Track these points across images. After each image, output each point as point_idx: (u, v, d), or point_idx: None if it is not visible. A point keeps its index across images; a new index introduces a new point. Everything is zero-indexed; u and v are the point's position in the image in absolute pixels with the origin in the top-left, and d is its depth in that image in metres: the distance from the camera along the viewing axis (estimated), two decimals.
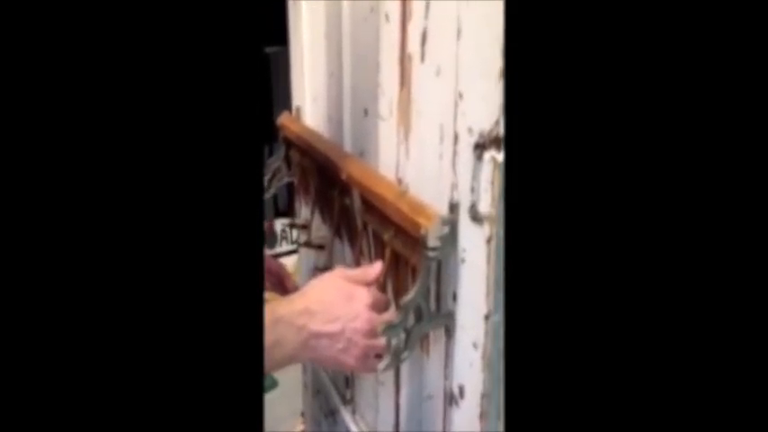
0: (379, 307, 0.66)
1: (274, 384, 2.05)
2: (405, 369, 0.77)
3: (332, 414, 1.12)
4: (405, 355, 0.61)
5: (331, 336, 0.64)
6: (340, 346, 0.64)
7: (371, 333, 0.63)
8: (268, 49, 2.50)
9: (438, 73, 0.61)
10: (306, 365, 1.26)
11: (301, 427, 1.62)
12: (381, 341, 0.63)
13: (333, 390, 1.10)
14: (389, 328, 0.59)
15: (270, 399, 1.93)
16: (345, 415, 1.03)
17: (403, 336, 0.61)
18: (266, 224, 2.62)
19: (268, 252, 2.65)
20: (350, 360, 0.65)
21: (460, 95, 0.57)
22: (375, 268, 0.69)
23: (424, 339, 0.68)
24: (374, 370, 0.65)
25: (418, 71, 0.65)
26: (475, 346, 0.58)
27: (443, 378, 0.65)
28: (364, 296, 0.65)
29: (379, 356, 0.65)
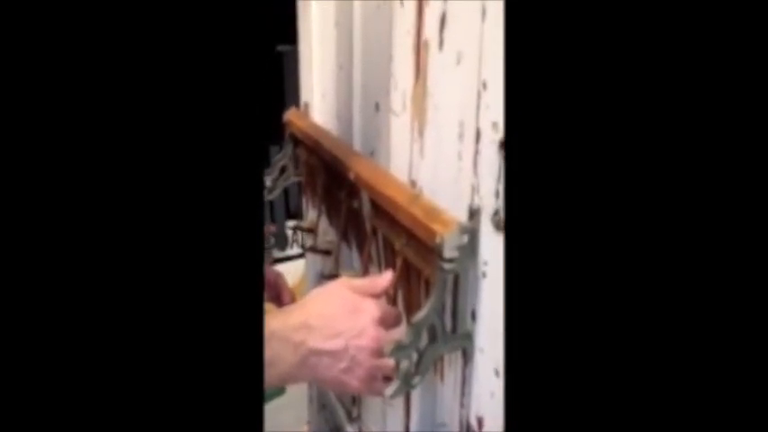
0: (387, 322, 0.59)
1: (281, 391, 1.98)
2: (416, 390, 0.70)
3: (337, 431, 1.05)
4: (416, 380, 0.54)
5: (332, 354, 0.57)
6: (343, 365, 0.57)
7: (378, 352, 0.56)
8: (281, 48, 2.44)
9: (458, 61, 0.54)
10: None
11: (306, 428, 1.55)
12: (389, 361, 0.55)
13: (338, 405, 1.03)
14: (398, 348, 0.52)
15: (276, 406, 1.87)
16: None
17: (414, 358, 0.54)
18: (273, 227, 2.56)
19: (279, 254, 2.60)
20: (354, 382, 0.58)
21: (484, 85, 0.49)
22: (384, 278, 0.62)
23: (439, 362, 0.61)
24: (381, 394, 0.58)
25: (435, 60, 0.58)
26: (497, 373, 0.50)
27: (459, 406, 0.58)
28: (371, 309, 0.58)
29: (387, 379, 0.57)
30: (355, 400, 0.95)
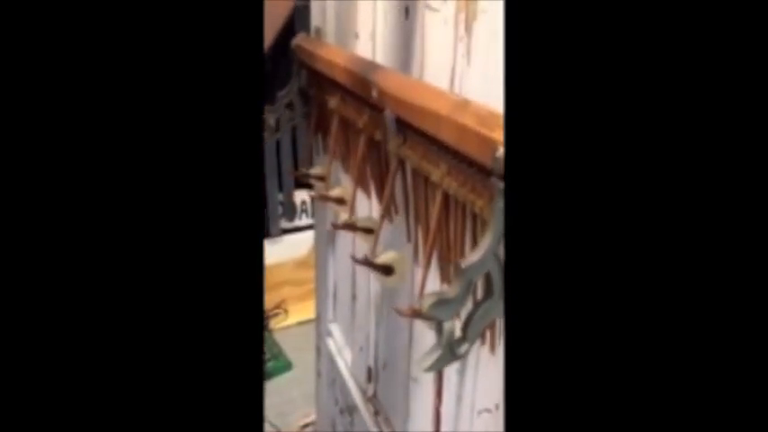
0: None
1: (288, 367, 1.87)
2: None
3: (349, 411, 0.91)
4: (464, 348, 0.40)
5: None
6: None
7: None
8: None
9: None
10: (321, 348, 1.06)
11: (310, 418, 1.43)
12: None
13: (351, 381, 0.89)
14: (441, 303, 0.38)
15: (284, 381, 1.76)
16: (365, 415, 0.82)
17: (462, 318, 0.39)
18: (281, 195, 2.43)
19: (287, 225, 2.47)
20: None
21: None
22: None
23: (492, 328, 0.46)
24: None
25: None
26: None
27: None
28: None
29: None
30: (371, 376, 0.81)
